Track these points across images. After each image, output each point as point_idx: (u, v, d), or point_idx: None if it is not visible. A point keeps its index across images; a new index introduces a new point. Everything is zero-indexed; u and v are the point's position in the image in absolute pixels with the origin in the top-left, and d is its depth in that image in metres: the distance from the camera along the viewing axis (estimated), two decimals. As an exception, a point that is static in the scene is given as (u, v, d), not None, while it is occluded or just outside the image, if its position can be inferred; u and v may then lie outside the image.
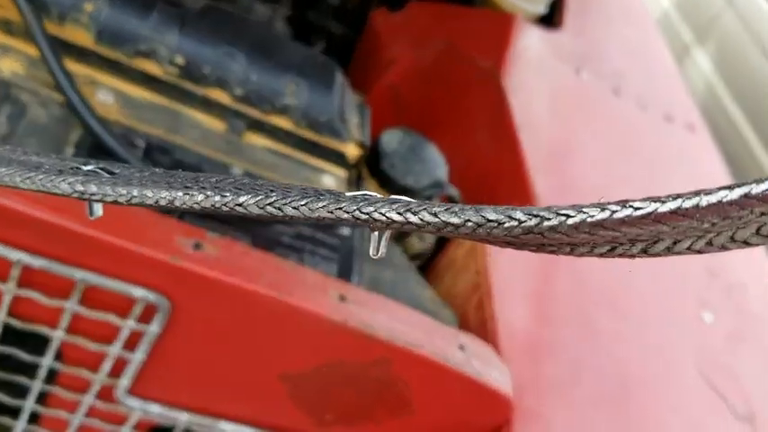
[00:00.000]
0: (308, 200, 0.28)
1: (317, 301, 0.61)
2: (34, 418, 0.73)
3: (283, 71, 0.86)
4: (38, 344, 0.64)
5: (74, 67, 0.75)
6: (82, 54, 0.77)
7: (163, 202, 0.30)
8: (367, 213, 0.26)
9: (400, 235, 0.92)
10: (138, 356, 0.63)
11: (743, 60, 3.53)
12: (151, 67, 0.79)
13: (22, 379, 0.67)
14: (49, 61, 0.69)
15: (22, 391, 0.70)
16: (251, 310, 0.61)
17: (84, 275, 0.56)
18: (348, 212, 0.27)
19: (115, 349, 0.63)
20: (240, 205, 0.28)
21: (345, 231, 0.81)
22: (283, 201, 0.28)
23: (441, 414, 0.73)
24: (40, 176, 0.32)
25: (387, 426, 0.75)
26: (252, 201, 0.28)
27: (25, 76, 0.73)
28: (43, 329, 0.61)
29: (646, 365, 0.92)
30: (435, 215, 0.26)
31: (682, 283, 1.09)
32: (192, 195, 0.29)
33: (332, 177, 0.88)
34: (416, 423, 0.74)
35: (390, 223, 0.26)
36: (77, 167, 0.33)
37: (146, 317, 0.60)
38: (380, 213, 0.26)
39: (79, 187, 0.31)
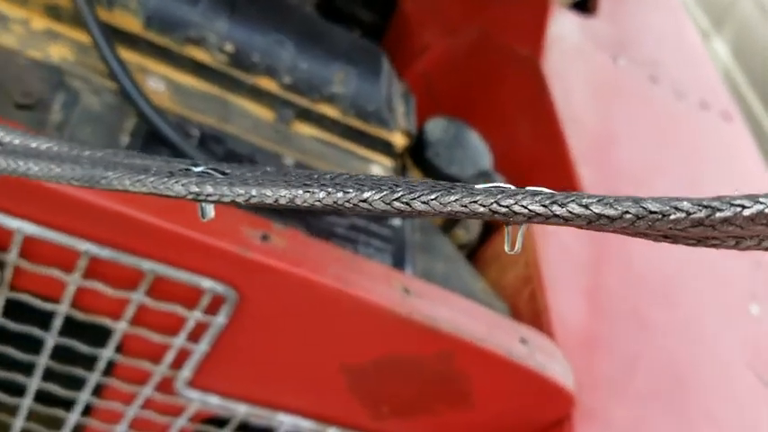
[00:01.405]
0: (438, 194, 0.26)
1: (382, 293, 0.60)
2: (86, 410, 0.73)
3: (332, 59, 0.84)
4: (97, 335, 0.63)
5: (123, 53, 0.74)
6: (130, 40, 0.76)
7: (283, 201, 0.28)
8: (506, 206, 0.25)
9: (446, 225, 0.91)
10: (201, 348, 0.63)
11: (760, 47, 3.49)
12: (200, 55, 0.78)
13: (78, 371, 0.66)
14: (103, 48, 0.68)
15: (76, 383, 0.69)
16: (316, 302, 0.60)
17: (153, 266, 0.55)
18: (484, 206, 0.25)
19: (179, 341, 0.62)
20: (365, 201, 0.27)
21: (396, 222, 0.80)
22: (411, 195, 0.27)
23: (501, 408, 0.72)
24: (151, 179, 0.31)
25: (443, 419, 0.74)
26: (377, 196, 0.27)
27: (75, 62, 0.72)
28: (106, 321, 0.60)
29: (695, 359, 0.91)
30: (586, 207, 0.24)
31: (729, 275, 1.08)
32: (314, 193, 0.28)
33: (380, 167, 0.87)
34: (475, 417, 0.73)
35: (532, 216, 0.25)
36: (187, 169, 0.32)
37: (212, 308, 0.59)
38: (522, 206, 0.25)
39: (194, 188, 0.29)
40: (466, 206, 0.25)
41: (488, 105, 1.31)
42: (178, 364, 0.65)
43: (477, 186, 0.27)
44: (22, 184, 0.50)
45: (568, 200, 0.24)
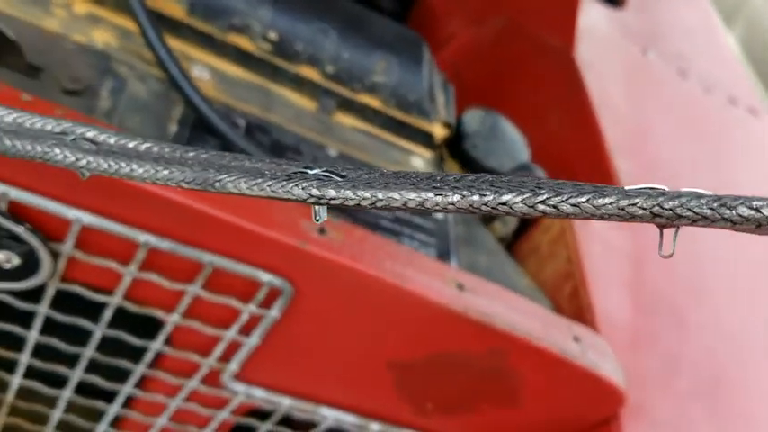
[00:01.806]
0: (589, 196, 0.25)
1: (437, 289, 0.59)
2: (126, 401, 0.72)
3: (374, 48, 0.83)
4: (145, 327, 0.62)
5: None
6: (173, 27, 0.75)
7: (412, 204, 0.27)
8: (669, 209, 0.24)
9: (484, 219, 0.90)
10: (252, 341, 0.62)
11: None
12: (244, 43, 0.77)
13: (123, 363, 0.65)
14: (150, 36, 0.66)
15: (120, 375, 0.68)
16: (371, 297, 0.59)
17: (213, 259, 0.54)
18: (644, 208, 0.24)
19: (231, 333, 0.61)
20: (504, 204, 0.26)
21: (439, 215, 0.79)
22: (558, 198, 0.25)
23: (548, 406, 0.71)
24: (269, 183, 0.30)
25: (488, 416, 0.73)
26: (518, 199, 0.26)
27: (118, 48, 0.71)
28: (158, 313, 0.59)
29: (734, 356, 0.90)
30: (757, 210, 0.23)
31: (763, 270, 1.07)
32: (446, 196, 0.27)
33: (420, 159, 0.85)
34: (521, 415, 0.72)
35: (697, 220, 0.24)
36: (302, 172, 0.31)
37: (266, 301, 0.58)
38: (687, 209, 0.24)
39: (315, 192, 0.29)
40: (623, 209, 0.24)
41: (518, 96, 1.29)
42: (227, 356, 0.64)
43: (628, 188, 0.26)
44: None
45: (737, 203, 0.23)
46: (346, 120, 0.83)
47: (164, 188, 0.50)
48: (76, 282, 0.57)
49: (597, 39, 1.34)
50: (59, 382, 0.69)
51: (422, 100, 0.84)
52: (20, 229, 0.50)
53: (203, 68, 0.74)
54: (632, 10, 1.51)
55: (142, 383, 0.68)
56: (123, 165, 0.33)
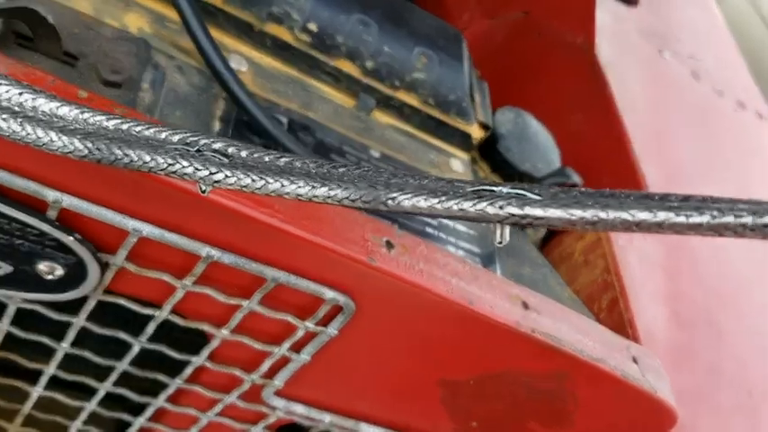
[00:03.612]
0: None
1: (505, 309, 0.56)
2: (156, 415, 0.67)
3: (415, 42, 0.79)
4: (190, 341, 0.58)
5: (202, 28, 0.67)
6: (209, 13, 0.70)
7: (622, 226, 0.25)
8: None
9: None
10: (302, 358, 0.58)
11: (747, 35, 3.50)
12: (282, 34, 0.72)
13: (159, 376, 0.61)
14: (194, 26, 0.61)
15: (153, 388, 0.64)
16: (434, 316, 0.55)
17: (276, 274, 0.50)
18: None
19: (281, 350, 0.57)
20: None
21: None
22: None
23: (601, 426, 0.68)
24: (455, 201, 0.27)
25: (533, 435, 0.70)
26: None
27: (152, 34, 0.66)
28: (205, 327, 0.55)
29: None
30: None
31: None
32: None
33: (459, 161, 0.82)
34: (569, 433, 0.70)
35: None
36: (488, 190, 0.27)
37: (325, 318, 0.54)
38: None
39: (515, 210, 0.25)
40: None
41: (536, 93, 1.26)
42: (271, 372, 0.60)
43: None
44: (138, 182, 0.44)
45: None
46: (384, 118, 0.79)
47: (231, 199, 0.46)
48: (120, 293, 0.52)
49: (615, 37, 1.31)
50: (84, 393, 0.64)
51: (462, 99, 0.81)
52: (69, 239, 0.45)
53: (241, 59, 0.70)
54: (646, 8, 1.49)
55: (174, 397, 0.64)
56: (270, 180, 0.29)
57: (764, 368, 0.88)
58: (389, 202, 0.28)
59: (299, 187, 0.29)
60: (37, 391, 0.63)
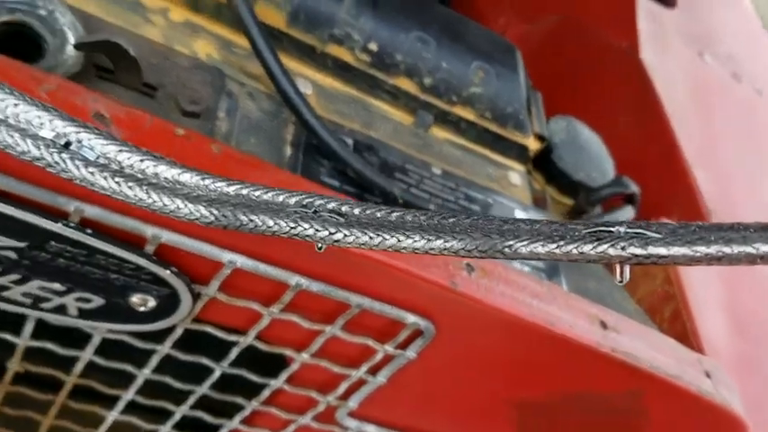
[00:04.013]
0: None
1: (585, 329, 0.56)
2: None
3: (472, 57, 0.79)
4: (269, 365, 0.59)
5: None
6: (273, 37, 0.70)
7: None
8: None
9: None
10: (378, 380, 0.58)
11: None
12: (344, 54, 0.72)
13: (236, 399, 0.62)
14: (263, 50, 0.62)
15: (227, 410, 0.64)
16: (514, 337, 0.55)
17: (361, 300, 0.50)
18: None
19: (358, 373, 0.57)
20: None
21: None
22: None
23: (670, 440, 0.68)
24: (575, 245, 0.27)
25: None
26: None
27: (221, 60, 0.67)
28: (288, 352, 0.56)
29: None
30: None
31: None
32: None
33: (517, 174, 0.82)
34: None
35: None
36: (606, 231, 0.28)
37: (404, 341, 0.55)
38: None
39: (637, 251, 0.26)
40: None
41: (577, 99, 1.25)
42: (347, 394, 0.61)
43: None
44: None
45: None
46: (441, 133, 0.79)
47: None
48: (207, 321, 0.53)
49: (656, 39, 1.30)
50: (159, 416, 0.65)
51: (519, 112, 0.81)
52: (166, 273, 0.46)
53: (306, 82, 0.70)
54: (684, 10, 1.47)
55: (249, 418, 0.65)
56: (387, 236, 0.30)
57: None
58: (506, 250, 0.29)
59: (415, 241, 0.30)
60: (113, 416, 0.64)
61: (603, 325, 0.58)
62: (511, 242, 0.29)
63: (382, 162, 0.69)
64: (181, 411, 0.63)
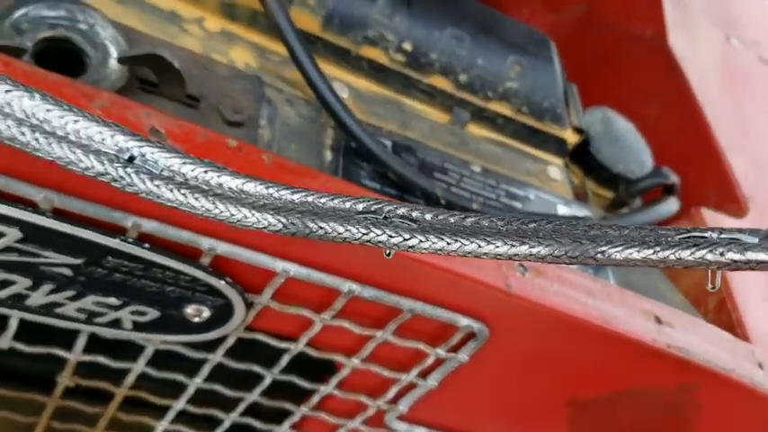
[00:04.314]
0: None
1: (639, 325, 0.55)
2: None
3: (507, 52, 0.78)
4: (319, 370, 0.59)
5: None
6: (308, 42, 0.70)
7: None
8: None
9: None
10: (429, 383, 0.58)
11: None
12: (378, 56, 0.72)
13: (287, 405, 0.62)
14: (301, 57, 0.62)
15: (276, 416, 0.64)
16: (569, 336, 0.55)
17: (413, 305, 0.50)
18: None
19: (409, 377, 0.57)
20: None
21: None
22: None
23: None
24: (671, 251, 0.27)
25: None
26: None
27: (258, 68, 0.66)
28: (338, 357, 0.56)
29: None
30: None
31: None
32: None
33: (556, 168, 0.81)
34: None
35: None
36: (700, 236, 0.27)
37: (457, 344, 0.54)
38: None
39: (736, 256, 0.25)
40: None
41: (607, 89, 1.24)
42: (397, 398, 0.60)
43: None
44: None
45: None
46: (477, 130, 0.78)
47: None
48: (259, 330, 0.53)
49: (682, 25, 1.28)
50: (209, 423, 0.65)
51: (556, 105, 0.80)
52: (221, 284, 0.46)
53: (342, 86, 0.70)
54: None
55: (298, 423, 0.65)
56: (465, 242, 0.29)
57: None
58: (599, 256, 0.28)
59: (497, 247, 0.29)
60: (162, 426, 0.64)
61: (658, 320, 0.57)
62: (604, 248, 0.28)
63: (421, 162, 0.69)
64: (230, 419, 0.63)
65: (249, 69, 0.65)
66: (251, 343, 0.54)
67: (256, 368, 0.56)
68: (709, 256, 0.27)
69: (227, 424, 0.64)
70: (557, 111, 0.80)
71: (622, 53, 1.25)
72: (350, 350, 0.55)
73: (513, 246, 0.29)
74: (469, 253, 0.29)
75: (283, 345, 0.54)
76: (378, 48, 0.72)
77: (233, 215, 0.31)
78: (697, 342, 0.58)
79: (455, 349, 0.55)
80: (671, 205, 0.75)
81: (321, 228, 0.30)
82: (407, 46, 0.73)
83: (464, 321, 0.52)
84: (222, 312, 0.48)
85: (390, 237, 0.30)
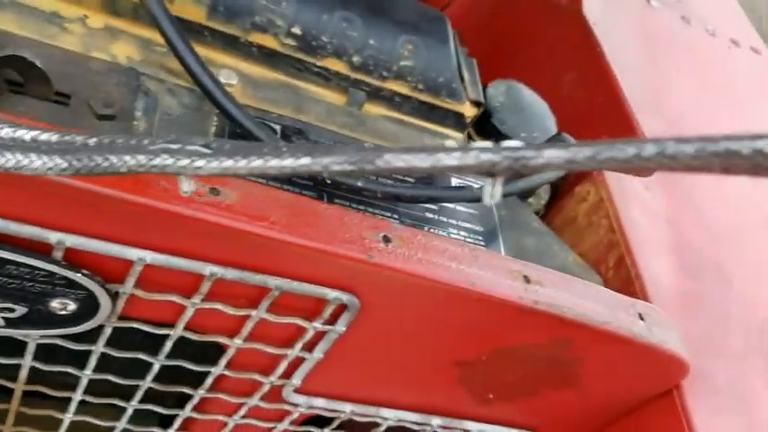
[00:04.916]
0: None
1: (507, 286, 0.58)
2: (185, 424, 0.71)
3: (400, 31, 0.80)
4: (207, 353, 0.61)
5: (188, 46, 0.69)
6: (194, 31, 0.71)
7: None
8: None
9: (521, 197, 0.88)
10: (315, 356, 0.60)
11: None
12: (268, 41, 0.73)
13: (184, 389, 0.64)
14: (178, 46, 0.63)
15: (179, 400, 0.66)
16: (438, 302, 0.57)
17: (279, 282, 0.52)
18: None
19: (294, 351, 0.59)
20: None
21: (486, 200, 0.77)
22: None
23: (613, 384, 0.70)
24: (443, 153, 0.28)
25: (549, 399, 0.72)
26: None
27: (142, 61, 0.68)
28: (220, 339, 0.58)
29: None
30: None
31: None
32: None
33: (454, 142, 0.83)
34: (583, 394, 0.72)
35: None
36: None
37: (332, 317, 0.56)
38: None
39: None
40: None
41: (527, 60, 1.26)
42: (288, 373, 0.63)
43: None
44: (136, 212, 0.46)
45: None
46: (375, 109, 0.80)
47: (227, 218, 0.48)
48: (135, 318, 0.55)
49: (601, -9, 1.30)
50: (116, 411, 0.67)
51: (451, 80, 0.82)
52: (77, 276, 0.48)
53: (230, 73, 0.71)
54: None
55: (200, 406, 0.67)
56: (254, 158, 0.31)
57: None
58: (378, 161, 0.30)
59: (297, 160, 0.31)
60: (68, 417, 0.66)
61: (527, 279, 0.59)
62: (382, 153, 0.29)
63: (312, 143, 0.71)
64: (132, 406, 0.65)
65: (131, 63, 0.67)
66: (132, 331, 0.55)
67: (142, 356, 0.58)
68: (484, 156, 0.28)
69: (130, 411, 0.66)
70: (452, 86, 0.82)
71: (541, 25, 1.27)
72: (231, 331, 0.57)
73: (297, 158, 0.30)
74: (257, 169, 0.31)
75: (163, 331, 0.56)
76: (267, 33, 0.73)
77: (20, 161, 0.32)
78: (568, 298, 0.60)
79: (331, 322, 0.57)
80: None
81: (107, 159, 0.32)
82: (297, 30, 0.74)
83: (332, 294, 0.54)
84: (88, 304, 0.50)
85: (178, 160, 0.31)
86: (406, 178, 0.74)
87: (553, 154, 0.29)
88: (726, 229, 0.94)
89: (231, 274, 0.51)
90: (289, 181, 0.65)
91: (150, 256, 0.48)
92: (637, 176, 0.92)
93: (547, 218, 0.96)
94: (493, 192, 0.32)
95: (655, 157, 0.26)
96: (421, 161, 0.30)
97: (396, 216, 0.70)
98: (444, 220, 0.73)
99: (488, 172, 0.30)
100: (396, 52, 0.79)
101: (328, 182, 0.66)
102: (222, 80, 0.70)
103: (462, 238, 0.72)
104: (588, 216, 0.89)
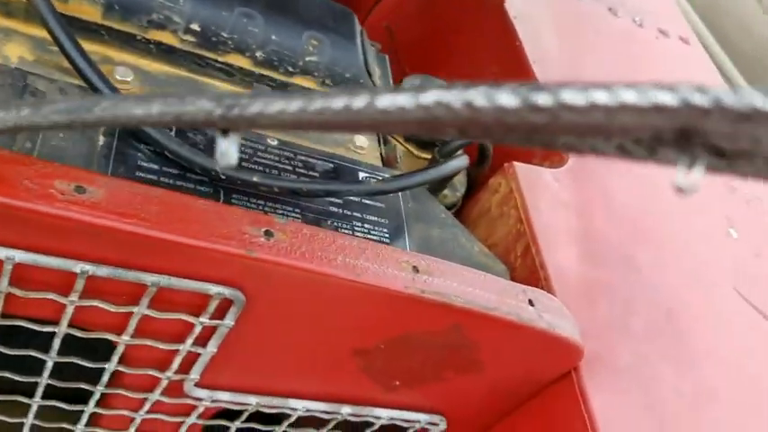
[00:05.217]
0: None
1: (392, 276, 0.59)
2: (93, 420, 0.71)
3: (303, 27, 0.81)
4: (100, 349, 0.61)
5: (84, 45, 0.69)
6: (90, 30, 0.71)
7: None
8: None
9: (433, 189, 0.89)
10: (209, 350, 0.61)
11: None
12: (166, 38, 0.74)
13: (83, 385, 0.64)
14: (64, 43, 0.63)
15: (82, 397, 0.67)
16: (326, 294, 0.58)
17: (155, 279, 0.53)
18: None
19: (186, 347, 0.60)
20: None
21: (390, 195, 0.78)
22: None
23: (510, 369, 0.72)
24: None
25: (453, 383, 0.74)
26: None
27: (34, 61, 0.68)
28: (108, 336, 0.58)
29: (687, 292, 0.92)
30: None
31: (706, 202, 1.09)
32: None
33: (363, 137, 0.84)
34: (485, 377, 0.74)
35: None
36: None
37: (219, 311, 0.57)
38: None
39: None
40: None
41: (457, 55, 1.28)
42: (186, 368, 0.63)
43: None
44: (3, 213, 0.47)
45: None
46: (282, 105, 0.81)
47: (92, 216, 0.48)
48: (18, 316, 0.55)
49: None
50: (16, 410, 0.67)
51: (359, 76, 0.83)
52: (-53, 277, 0.48)
53: (126, 70, 0.71)
54: None
55: (105, 402, 0.67)
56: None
57: (684, 290, 0.91)
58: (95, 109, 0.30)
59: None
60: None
61: (415, 269, 0.61)
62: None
63: (210, 140, 0.71)
64: (36, 403, 0.65)
65: (23, 63, 0.66)
66: (18, 329, 0.56)
67: (34, 353, 0.59)
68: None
69: (35, 408, 0.66)
70: (359, 81, 0.83)
71: (467, 17, 1.29)
72: (118, 328, 0.58)
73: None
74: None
75: (48, 329, 0.56)
76: (165, 30, 0.74)
77: None
78: (457, 287, 0.62)
79: (219, 317, 0.58)
80: (460, 161, 0.79)
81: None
82: (195, 26, 0.75)
83: (214, 290, 0.55)
84: (-37, 305, 0.50)
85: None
86: (309, 173, 0.75)
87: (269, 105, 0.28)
88: (635, 216, 0.97)
89: (103, 271, 0.51)
90: (184, 178, 0.66)
91: (19, 255, 0.49)
92: (548, 169, 0.94)
93: (465, 210, 0.98)
94: (225, 150, 0.30)
95: (364, 110, 0.26)
96: (144, 110, 0.30)
97: (297, 211, 0.70)
98: (349, 213, 0.74)
99: (209, 123, 0.30)
100: (300, 48, 0.80)
101: (223, 177, 0.66)
102: (118, 77, 0.70)
103: (367, 231, 0.73)
104: (500, 207, 0.91)
